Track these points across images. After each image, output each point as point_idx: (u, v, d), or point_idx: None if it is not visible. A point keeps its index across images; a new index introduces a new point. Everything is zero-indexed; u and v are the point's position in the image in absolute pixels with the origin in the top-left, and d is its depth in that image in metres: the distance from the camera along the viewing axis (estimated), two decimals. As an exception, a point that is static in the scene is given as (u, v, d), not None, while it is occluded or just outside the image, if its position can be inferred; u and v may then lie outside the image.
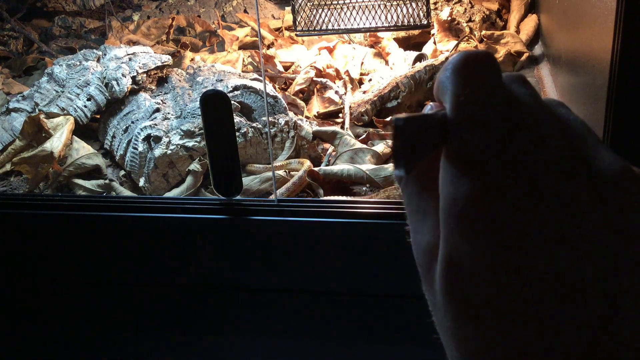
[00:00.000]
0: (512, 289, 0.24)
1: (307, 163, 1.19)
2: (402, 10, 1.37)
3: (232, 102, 1.21)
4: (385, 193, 1.06)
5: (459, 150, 0.26)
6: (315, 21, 1.39)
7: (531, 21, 1.59)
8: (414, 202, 0.29)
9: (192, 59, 1.64)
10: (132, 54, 1.44)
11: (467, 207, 0.25)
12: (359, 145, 1.23)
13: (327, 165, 1.21)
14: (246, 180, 1.14)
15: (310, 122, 1.36)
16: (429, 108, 0.30)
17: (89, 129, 1.40)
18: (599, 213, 0.25)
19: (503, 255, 0.24)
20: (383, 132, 1.30)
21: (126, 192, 1.20)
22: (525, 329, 0.24)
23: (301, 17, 1.39)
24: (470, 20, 1.62)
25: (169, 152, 1.17)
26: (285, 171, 1.17)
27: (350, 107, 1.38)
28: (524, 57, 1.46)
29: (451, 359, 0.26)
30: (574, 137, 0.28)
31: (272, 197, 1.07)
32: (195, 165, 1.18)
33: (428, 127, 0.27)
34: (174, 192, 1.18)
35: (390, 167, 1.12)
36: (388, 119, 1.35)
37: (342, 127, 1.35)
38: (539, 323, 0.24)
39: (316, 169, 1.14)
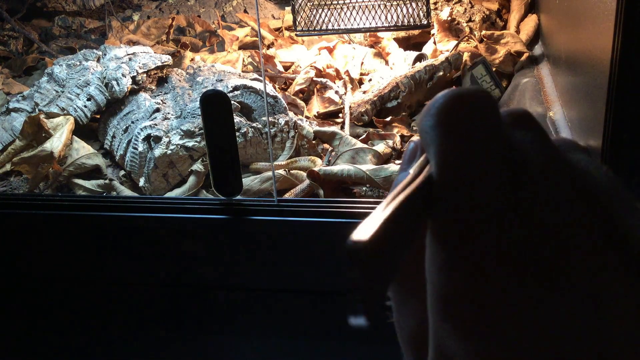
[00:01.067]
0: None
1: (319, 161, 1.19)
2: (402, 10, 1.37)
3: (232, 102, 1.21)
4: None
5: (445, 228, 0.21)
6: (315, 21, 1.39)
7: (531, 21, 1.59)
8: (397, 294, 0.25)
9: (192, 59, 1.64)
10: (132, 54, 1.44)
11: (455, 304, 0.21)
12: (359, 145, 1.23)
13: (327, 165, 1.21)
14: (246, 181, 1.14)
15: (310, 122, 1.36)
16: (412, 146, 0.27)
17: (89, 129, 1.40)
18: (629, 302, 0.20)
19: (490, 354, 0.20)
20: (383, 132, 1.30)
21: (127, 192, 1.20)
22: None
23: (301, 17, 1.39)
24: (470, 20, 1.62)
25: (169, 152, 1.17)
26: (285, 170, 1.17)
27: (350, 107, 1.38)
28: (524, 57, 1.46)
29: None
30: (597, 196, 0.22)
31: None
32: (198, 166, 1.18)
33: (403, 227, 0.22)
34: (176, 192, 1.18)
35: (390, 167, 1.12)
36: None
37: (342, 127, 1.35)
38: None
39: (316, 169, 1.14)
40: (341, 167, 1.13)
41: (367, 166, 1.13)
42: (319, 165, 1.17)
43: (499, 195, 0.21)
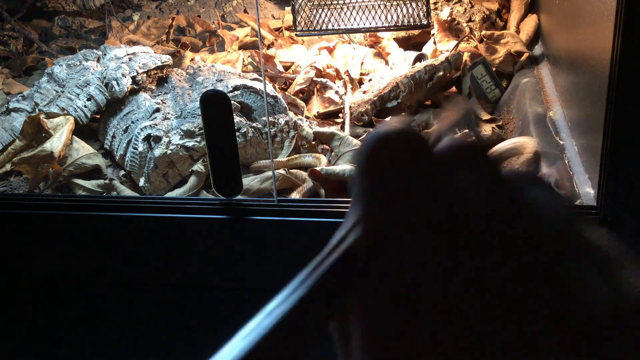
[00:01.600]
0: None
1: (324, 159, 1.18)
2: (402, 10, 1.37)
3: (232, 102, 1.20)
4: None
5: (355, 300, 0.19)
6: (315, 21, 1.39)
7: (531, 21, 1.59)
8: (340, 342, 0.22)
9: (192, 59, 1.64)
10: (132, 54, 1.44)
11: None
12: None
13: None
14: (246, 180, 1.14)
15: (310, 122, 1.36)
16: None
17: (89, 129, 1.40)
18: None
19: None
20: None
21: (127, 191, 1.20)
22: None
23: (301, 17, 1.39)
24: (470, 20, 1.62)
25: (169, 152, 1.17)
26: (285, 170, 1.17)
27: (350, 107, 1.38)
28: (524, 57, 1.46)
29: None
30: (553, 249, 0.19)
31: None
32: (199, 166, 1.18)
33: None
34: (177, 192, 1.18)
35: None
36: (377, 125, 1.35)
37: (342, 127, 1.35)
38: None
39: (318, 168, 1.14)
40: (343, 167, 1.13)
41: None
42: (323, 162, 1.17)
43: (431, 256, 0.18)
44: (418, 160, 0.20)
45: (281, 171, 1.17)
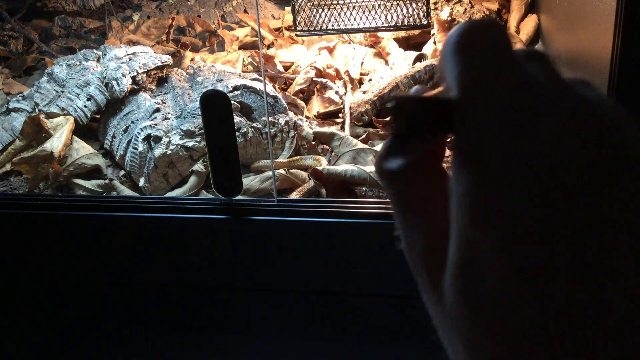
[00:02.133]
0: (531, 288, 0.21)
1: (324, 160, 1.19)
2: (402, 10, 1.37)
3: (232, 102, 1.20)
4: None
5: (466, 140, 0.23)
6: (315, 21, 1.39)
7: (531, 21, 1.59)
8: (401, 204, 0.26)
9: (192, 59, 1.64)
10: (132, 54, 1.44)
11: (478, 205, 0.22)
12: (360, 145, 1.23)
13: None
14: (246, 180, 1.14)
15: (310, 122, 1.36)
16: (413, 91, 0.27)
17: (89, 129, 1.40)
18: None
19: (520, 254, 0.22)
20: (383, 133, 1.30)
21: (127, 192, 1.20)
22: (542, 330, 0.21)
23: (301, 17, 1.39)
24: (470, 20, 1.62)
25: (169, 152, 1.17)
26: (285, 169, 1.17)
27: (350, 107, 1.38)
28: (524, 57, 1.46)
29: None
30: (607, 128, 0.23)
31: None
32: (199, 166, 1.18)
33: (433, 110, 0.24)
34: (177, 192, 1.18)
35: None
36: (388, 118, 1.35)
37: (342, 127, 1.35)
38: (558, 326, 0.21)
39: (319, 168, 1.14)
40: (345, 167, 1.13)
41: (370, 167, 1.13)
42: (323, 164, 1.17)
43: (510, 115, 0.22)
44: (503, 41, 0.24)
45: (281, 171, 1.17)
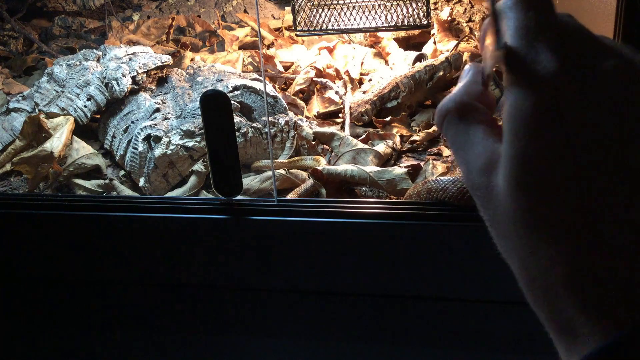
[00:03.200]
0: (579, 175, 0.26)
1: (323, 161, 1.19)
2: (402, 10, 1.37)
3: (232, 102, 1.21)
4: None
5: (524, 66, 0.28)
6: (315, 21, 1.39)
7: (531, 21, 1.58)
8: (458, 142, 0.32)
9: (192, 59, 1.64)
10: (132, 54, 1.44)
11: (537, 109, 0.27)
12: (360, 145, 1.23)
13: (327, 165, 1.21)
14: (246, 180, 1.14)
15: (310, 122, 1.36)
16: (467, 68, 0.33)
17: (89, 129, 1.40)
18: None
19: (571, 150, 0.27)
20: (383, 133, 1.30)
21: (127, 192, 1.20)
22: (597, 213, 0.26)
23: (301, 17, 1.39)
24: (470, 20, 1.62)
25: (169, 152, 1.17)
26: (285, 170, 1.17)
27: (350, 107, 1.38)
28: (524, 57, 1.46)
29: (519, 269, 0.29)
30: None
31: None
32: (199, 166, 1.18)
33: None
34: (176, 192, 1.18)
35: (394, 169, 1.12)
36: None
37: (342, 127, 1.35)
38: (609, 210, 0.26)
39: (319, 167, 1.14)
40: (345, 167, 1.13)
41: (370, 168, 1.13)
42: (322, 164, 1.17)
43: (571, 44, 0.28)
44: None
45: (281, 171, 1.17)
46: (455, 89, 0.34)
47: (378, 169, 1.13)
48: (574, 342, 0.26)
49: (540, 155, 0.27)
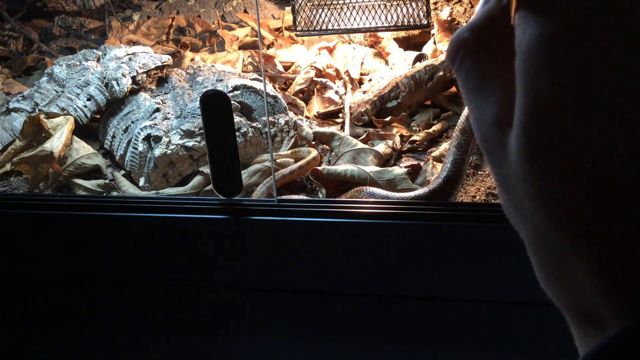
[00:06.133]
0: (599, 132, 0.22)
1: (314, 151, 1.20)
2: (402, 10, 1.37)
3: (232, 102, 1.21)
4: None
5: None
6: (315, 21, 1.39)
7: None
8: (473, 80, 0.27)
9: (192, 59, 1.64)
10: (132, 54, 1.44)
11: (551, 47, 0.23)
12: (360, 145, 1.23)
13: (327, 165, 1.21)
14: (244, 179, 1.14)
15: (310, 122, 1.36)
16: (482, 2, 0.28)
17: (89, 129, 1.40)
18: None
19: (590, 98, 0.23)
20: (383, 133, 1.30)
21: (128, 185, 1.20)
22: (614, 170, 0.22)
23: (301, 17, 1.39)
24: (470, 20, 1.62)
25: (169, 152, 1.17)
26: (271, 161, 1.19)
27: (350, 107, 1.38)
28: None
29: (533, 229, 0.25)
30: None
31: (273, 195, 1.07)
32: (205, 168, 1.18)
33: None
34: (176, 190, 1.18)
35: (394, 169, 1.12)
36: (387, 118, 1.35)
37: (342, 127, 1.35)
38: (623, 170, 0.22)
39: (319, 168, 1.14)
40: (345, 167, 1.13)
41: (370, 168, 1.13)
42: (314, 153, 1.19)
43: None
44: None
45: (267, 163, 1.17)
46: (473, 16, 0.28)
47: (378, 169, 1.13)
48: (589, 323, 0.24)
49: (560, 104, 0.23)
